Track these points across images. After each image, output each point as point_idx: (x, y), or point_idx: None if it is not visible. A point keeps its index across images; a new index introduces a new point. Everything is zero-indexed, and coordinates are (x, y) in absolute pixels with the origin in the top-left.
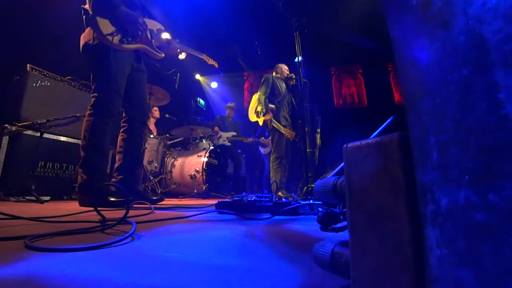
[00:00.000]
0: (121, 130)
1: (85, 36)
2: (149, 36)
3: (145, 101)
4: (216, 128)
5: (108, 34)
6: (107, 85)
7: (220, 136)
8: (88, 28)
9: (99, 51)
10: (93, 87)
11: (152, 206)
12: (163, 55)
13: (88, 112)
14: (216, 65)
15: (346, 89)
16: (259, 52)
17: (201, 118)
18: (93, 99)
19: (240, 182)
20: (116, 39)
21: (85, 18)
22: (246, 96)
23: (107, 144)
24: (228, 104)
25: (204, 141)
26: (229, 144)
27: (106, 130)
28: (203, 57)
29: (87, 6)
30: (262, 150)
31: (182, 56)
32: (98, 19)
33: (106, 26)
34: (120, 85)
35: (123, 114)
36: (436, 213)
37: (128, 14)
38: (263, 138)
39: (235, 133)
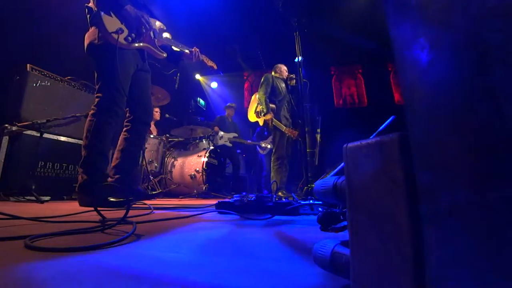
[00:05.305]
0: (123, 129)
1: (90, 36)
2: (152, 35)
3: (150, 101)
4: (216, 128)
5: (114, 32)
6: (111, 84)
7: (222, 137)
8: (93, 28)
9: (104, 50)
10: (97, 87)
11: (152, 206)
12: (166, 55)
13: (91, 111)
14: (215, 67)
15: (346, 89)
16: (259, 52)
17: (201, 118)
18: (97, 99)
19: (240, 182)
20: (121, 37)
21: (89, 17)
22: (246, 96)
23: (108, 145)
24: (229, 104)
25: (204, 141)
26: (230, 145)
27: (108, 130)
28: (202, 58)
29: (91, 4)
30: (260, 150)
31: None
32: (104, 16)
33: (111, 24)
34: (124, 84)
35: (127, 114)
36: (436, 213)
37: (134, 11)
38: (263, 143)
39: (236, 134)
